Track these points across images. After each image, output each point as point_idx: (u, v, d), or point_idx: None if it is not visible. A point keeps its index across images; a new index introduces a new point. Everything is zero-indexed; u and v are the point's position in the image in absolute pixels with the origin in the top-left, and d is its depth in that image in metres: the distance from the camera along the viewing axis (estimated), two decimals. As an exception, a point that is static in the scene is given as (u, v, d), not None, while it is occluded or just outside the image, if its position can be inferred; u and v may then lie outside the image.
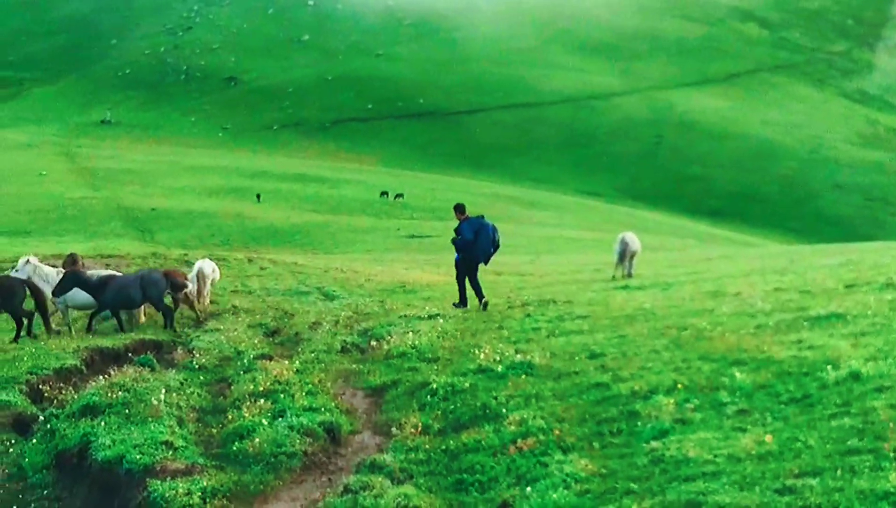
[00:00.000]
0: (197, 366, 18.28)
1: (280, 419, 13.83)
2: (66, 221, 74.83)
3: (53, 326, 23.17)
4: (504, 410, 13.33)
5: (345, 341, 19.73)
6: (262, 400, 14.93)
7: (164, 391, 15.48)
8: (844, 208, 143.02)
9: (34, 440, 14.49)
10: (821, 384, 12.10)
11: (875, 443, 9.90)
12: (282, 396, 15.07)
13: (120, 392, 15.36)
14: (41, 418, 15.34)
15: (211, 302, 27.33)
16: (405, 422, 13.64)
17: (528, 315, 20.91)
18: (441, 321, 20.91)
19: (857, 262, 26.35)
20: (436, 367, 16.51)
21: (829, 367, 12.57)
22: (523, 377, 14.85)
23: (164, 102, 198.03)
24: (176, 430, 13.71)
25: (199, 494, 11.24)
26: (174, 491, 11.26)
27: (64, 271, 23.75)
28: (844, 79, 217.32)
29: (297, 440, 12.93)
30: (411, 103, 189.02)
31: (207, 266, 27.23)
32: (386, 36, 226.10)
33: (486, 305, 22.64)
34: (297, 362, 17.96)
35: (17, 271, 23.83)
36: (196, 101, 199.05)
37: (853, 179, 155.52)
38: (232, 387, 16.43)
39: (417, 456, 12.30)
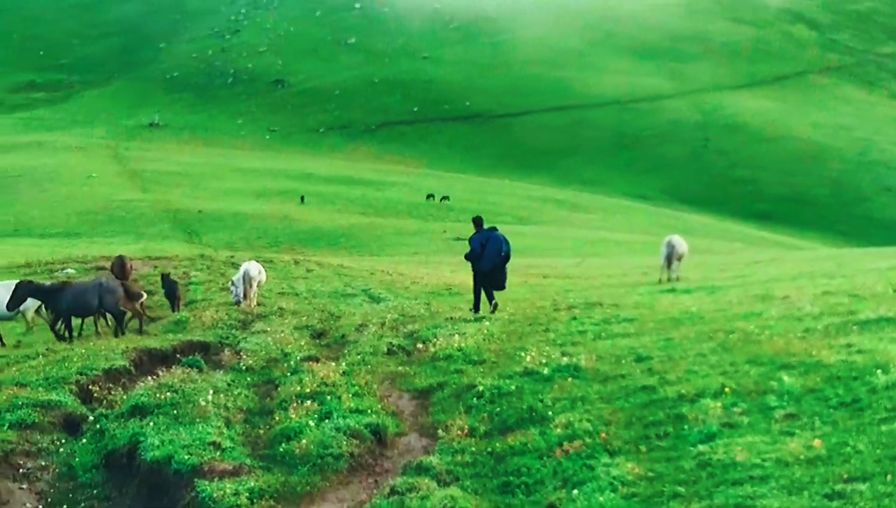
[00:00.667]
0: (244, 367, 18.43)
1: (327, 420, 13.90)
2: (114, 222, 75.56)
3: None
4: (550, 413, 13.32)
5: (391, 343, 19.74)
6: (308, 402, 15.02)
7: (211, 392, 15.63)
8: (894, 212, 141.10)
9: (84, 440, 14.68)
10: (870, 388, 11.98)
11: (926, 449, 9.80)
12: (328, 398, 15.14)
13: (168, 393, 15.55)
14: (91, 418, 15.54)
15: (258, 304, 27.52)
16: (451, 424, 13.66)
17: (575, 318, 20.85)
18: (487, 323, 20.89)
19: (908, 266, 26.04)
20: (482, 369, 16.50)
21: (878, 371, 12.44)
22: (569, 379, 14.81)
23: (211, 105, 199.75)
24: (223, 431, 13.84)
25: (247, 495, 11.35)
26: (222, 492, 11.38)
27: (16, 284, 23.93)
28: (894, 81, 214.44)
29: (344, 442, 12.98)
30: (457, 106, 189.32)
31: (254, 268, 27.44)
32: (432, 39, 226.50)
33: (495, 307, 23.19)
34: (344, 364, 18.02)
35: None
36: (243, 103, 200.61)
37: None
38: (279, 388, 16.52)
39: (464, 459, 12.32)
